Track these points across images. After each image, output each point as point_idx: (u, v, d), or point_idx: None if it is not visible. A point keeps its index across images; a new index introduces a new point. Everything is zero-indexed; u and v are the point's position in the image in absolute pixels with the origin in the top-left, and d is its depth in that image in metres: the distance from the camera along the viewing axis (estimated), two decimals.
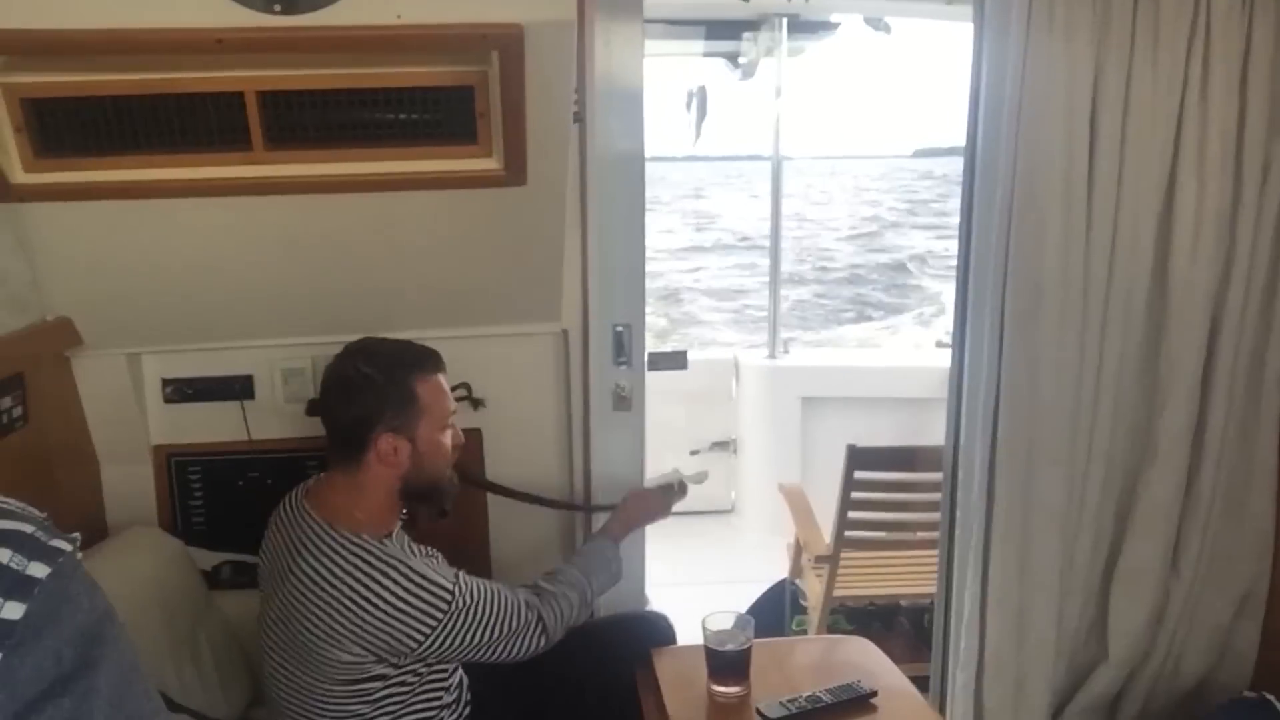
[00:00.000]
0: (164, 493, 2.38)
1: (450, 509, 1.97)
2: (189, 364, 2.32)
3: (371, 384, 1.80)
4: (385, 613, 1.72)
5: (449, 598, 1.77)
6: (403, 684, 1.82)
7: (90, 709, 0.56)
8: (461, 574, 1.84)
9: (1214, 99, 2.28)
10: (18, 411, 1.98)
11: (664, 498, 2.30)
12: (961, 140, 2.41)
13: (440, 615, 1.75)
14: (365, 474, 1.82)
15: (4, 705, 0.53)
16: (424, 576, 1.76)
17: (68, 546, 0.60)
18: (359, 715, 1.80)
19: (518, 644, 1.88)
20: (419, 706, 1.86)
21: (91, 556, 1.94)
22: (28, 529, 0.58)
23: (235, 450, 2.37)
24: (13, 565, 0.56)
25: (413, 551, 1.88)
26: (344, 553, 1.76)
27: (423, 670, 1.84)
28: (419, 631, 1.74)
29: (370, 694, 1.80)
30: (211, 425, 2.35)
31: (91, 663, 0.57)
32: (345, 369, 1.83)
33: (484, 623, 1.81)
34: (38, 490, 2.07)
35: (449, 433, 1.90)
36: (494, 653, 1.86)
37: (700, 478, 2.40)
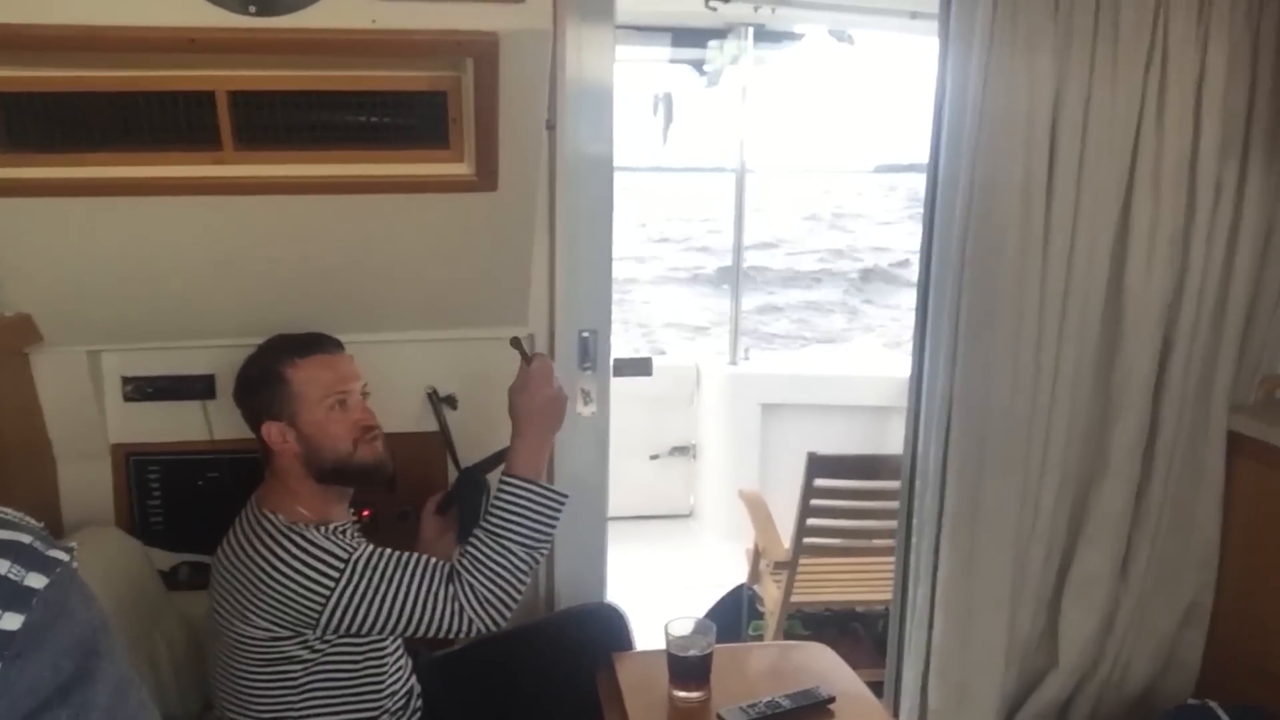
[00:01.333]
0: (122, 492, 2.35)
1: (388, 486, 2.01)
2: (150, 362, 2.29)
3: (250, 378, 1.94)
4: (279, 580, 1.75)
5: (341, 565, 1.76)
6: (330, 673, 1.84)
7: None
8: (375, 548, 1.82)
9: (1170, 120, 2.34)
10: None
11: (532, 390, 1.95)
12: (923, 158, 2.46)
13: (332, 581, 1.75)
14: (275, 463, 1.92)
15: (2, 717, 0.53)
16: (320, 547, 1.78)
17: (65, 557, 0.59)
18: (287, 702, 1.82)
19: (435, 609, 1.77)
20: (353, 703, 1.87)
21: None
22: (26, 539, 0.58)
23: (195, 450, 2.34)
24: (11, 576, 0.55)
25: (346, 539, 1.87)
26: (254, 529, 1.83)
27: (353, 659, 1.86)
28: (315, 596, 1.74)
29: (293, 678, 1.82)
30: (172, 425, 2.32)
31: (88, 674, 0.57)
32: (238, 374, 1.97)
33: (386, 588, 1.76)
34: None
35: (339, 413, 1.90)
36: (412, 621, 1.78)
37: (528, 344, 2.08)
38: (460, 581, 1.79)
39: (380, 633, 1.81)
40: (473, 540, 1.84)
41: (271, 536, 1.79)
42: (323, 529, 1.84)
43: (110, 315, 2.14)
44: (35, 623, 0.55)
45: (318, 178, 1.86)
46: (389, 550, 1.82)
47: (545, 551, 1.89)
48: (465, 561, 1.82)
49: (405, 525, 2.24)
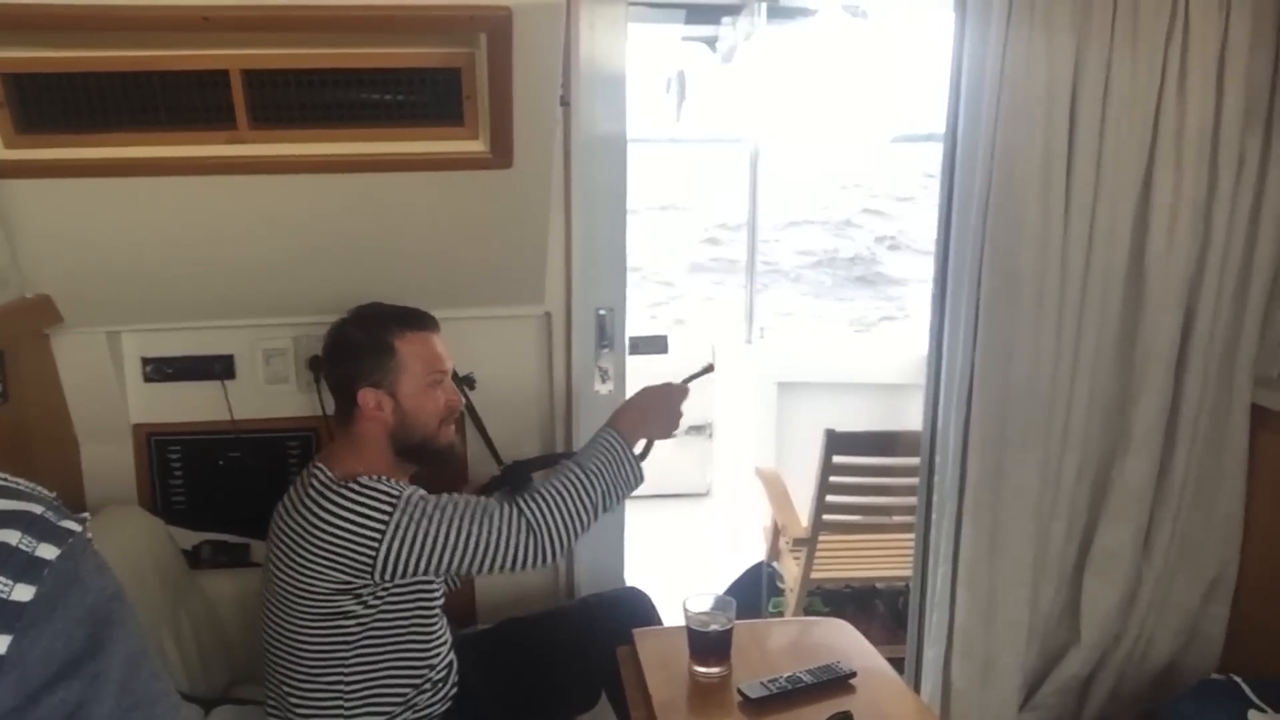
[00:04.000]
0: (144, 472, 2.37)
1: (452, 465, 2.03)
2: (169, 343, 2.31)
3: (353, 342, 1.92)
4: (334, 525, 1.76)
5: (393, 500, 1.77)
6: (380, 634, 1.85)
7: (100, 691, 0.57)
8: (418, 496, 1.82)
9: (1191, 92, 2.31)
10: None
11: (670, 391, 2.06)
12: (939, 127, 2.43)
13: (385, 517, 1.76)
14: (357, 428, 1.91)
15: (15, 688, 0.53)
16: (371, 489, 1.79)
17: (77, 527, 0.59)
18: (339, 657, 1.84)
19: (500, 540, 1.77)
20: (400, 666, 1.88)
21: None
22: (37, 510, 0.58)
23: (216, 430, 2.36)
24: (22, 546, 0.56)
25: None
26: (310, 483, 1.83)
27: (402, 621, 1.87)
28: (370, 537, 1.75)
29: (348, 634, 1.83)
30: (192, 405, 2.34)
31: (101, 644, 0.57)
32: (335, 331, 1.95)
33: (443, 520, 1.77)
34: (16, 468, 2.01)
35: (435, 391, 1.93)
36: (475, 556, 1.77)
37: (708, 368, 2.22)
38: (528, 507, 1.80)
39: (440, 567, 1.78)
40: (547, 482, 1.85)
41: (327, 487, 1.80)
42: (376, 477, 1.85)
43: (129, 296, 2.15)
44: (47, 594, 0.55)
45: (332, 156, 1.86)
46: (445, 494, 1.83)
47: (608, 508, 1.89)
48: (540, 495, 1.82)
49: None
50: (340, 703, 1.86)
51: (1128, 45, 2.26)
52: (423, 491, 1.82)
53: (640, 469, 1.94)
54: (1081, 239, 2.37)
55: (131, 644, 0.60)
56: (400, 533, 1.75)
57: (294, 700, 1.88)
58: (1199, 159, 2.35)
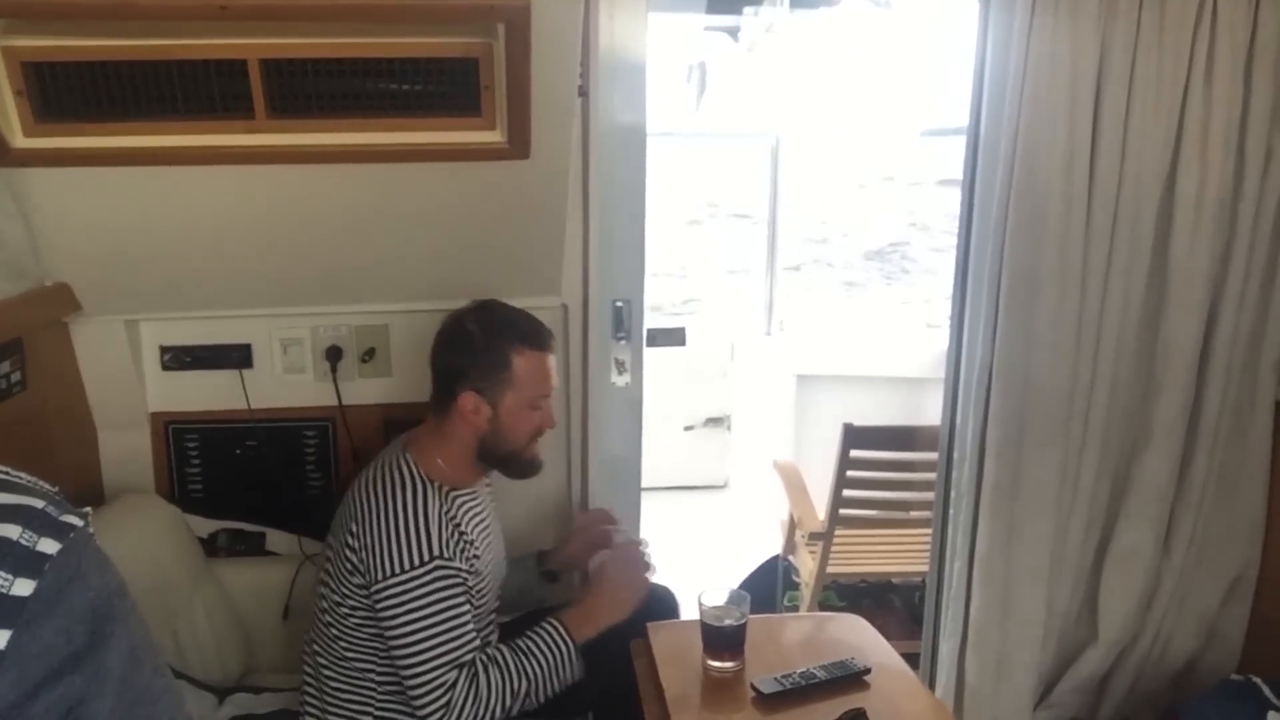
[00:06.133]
0: (161, 460, 2.38)
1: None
2: (187, 332, 2.31)
3: (471, 341, 1.88)
4: (384, 521, 1.77)
5: (422, 563, 1.75)
6: None
7: (101, 687, 0.56)
8: (456, 574, 1.79)
9: (1218, 84, 2.27)
10: (16, 377, 1.97)
11: (631, 567, 1.99)
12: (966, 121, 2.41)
13: (404, 566, 1.75)
14: (447, 424, 1.90)
15: (15, 683, 0.52)
16: (428, 528, 1.77)
17: (79, 522, 0.59)
18: (373, 647, 1.85)
19: (430, 676, 1.74)
20: None
21: None
22: (38, 504, 0.58)
23: (233, 419, 2.37)
24: (22, 541, 0.55)
25: (461, 523, 1.87)
26: (392, 465, 1.84)
27: None
28: (384, 566, 1.75)
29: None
30: (209, 393, 2.34)
31: (102, 640, 0.57)
32: (458, 322, 1.91)
33: (426, 624, 1.74)
34: (36, 456, 2.07)
35: (537, 413, 1.92)
36: (411, 669, 1.74)
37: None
38: (467, 675, 1.75)
39: (387, 647, 1.79)
40: (500, 650, 1.82)
41: (403, 480, 1.81)
42: (450, 494, 1.86)
43: (147, 284, 2.16)
44: (47, 588, 0.55)
45: (350, 146, 1.86)
46: (460, 593, 1.79)
47: (532, 703, 1.83)
48: (486, 659, 1.79)
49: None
50: (373, 692, 1.88)
51: (1154, 36, 2.23)
52: (439, 576, 1.77)
53: (580, 667, 1.87)
54: (1104, 234, 2.34)
55: (133, 639, 0.60)
56: (399, 589, 1.75)
57: (328, 674, 1.90)
58: (1225, 153, 2.32)
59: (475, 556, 1.88)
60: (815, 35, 4.81)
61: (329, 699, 1.91)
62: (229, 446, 2.40)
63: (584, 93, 2.14)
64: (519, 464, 1.97)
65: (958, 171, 2.46)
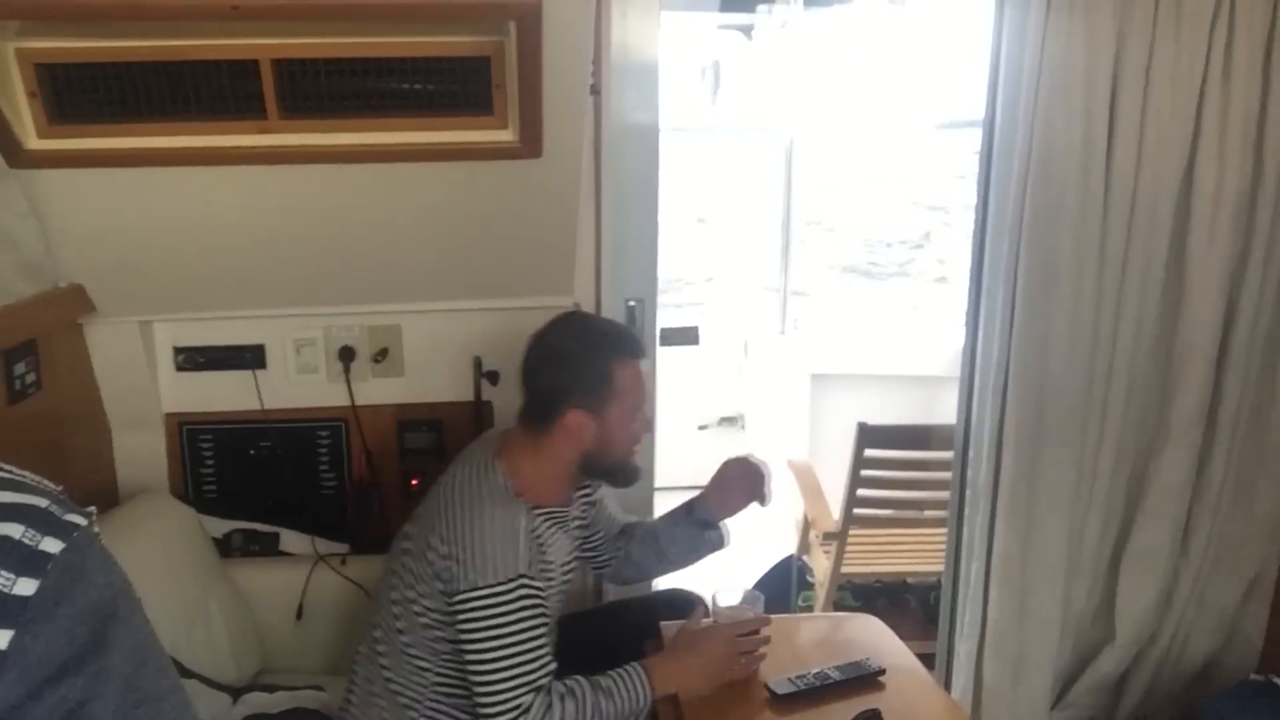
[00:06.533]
0: (175, 461, 2.39)
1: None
2: (201, 333, 2.32)
3: (572, 358, 1.84)
4: (471, 532, 1.73)
5: (491, 579, 1.71)
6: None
7: (104, 687, 0.56)
8: (536, 594, 1.75)
9: (1236, 77, 2.25)
10: (31, 378, 1.98)
11: (720, 646, 1.85)
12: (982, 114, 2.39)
13: (484, 580, 1.70)
14: (547, 441, 1.85)
15: (17, 683, 0.52)
16: (505, 545, 1.72)
17: (83, 521, 0.58)
18: (430, 648, 1.82)
19: (507, 687, 1.70)
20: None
21: (103, 523, 1.93)
22: (42, 503, 0.57)
23: (247, 419, 2.37)
24: (25, 540, 0.54)
25: (544, 542, 1.84)
26: (484, 473, 1.81)
27: None
28: (461, 577, 1.71)
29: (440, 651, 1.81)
30: (223, 394, 2.35)
31: (105, 641, 0.56)
32: (553, 338, 1.87)
33: (490, 638, 1.70)
34: (50, 456, 2.08)
35: (638, 419, 1.90)
36: (483, 684, 1.71)
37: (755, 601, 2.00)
38: (542, 703, 1.71)
39: (462, 655, 1.74)
40: (578, 682, 1.77)
41: (493, 493, 1.78)
42: (533, 511, 1.82)
43: (161, 285, 2.16)
44: (50, 588, 0.54)
45: (362, 146, 1.86)
46: (540, 614, 1.75)
47: None
48: (564, 690, 1.74)
49: None
50: (424, 690, 1.85)
51: (1171, 29, 2.21)
52: (534, 592, 1.74)
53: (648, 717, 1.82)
54: (1121, 229, 2.32)
55: (138, 640, 0.59)
56: (483, 602, 1.71)
57: (384, 661, 1.87)
58: (1243, 147, 2.29)
59: (549, 578, 1.85)
60: (829, 32, 4.79)
61: (375, 686, 1.89)
62: (243, 447, 2.40)
63: (596, 91, 2.14)
64: (624, 473, 1.95)
65: (973, 165, 2.44)
